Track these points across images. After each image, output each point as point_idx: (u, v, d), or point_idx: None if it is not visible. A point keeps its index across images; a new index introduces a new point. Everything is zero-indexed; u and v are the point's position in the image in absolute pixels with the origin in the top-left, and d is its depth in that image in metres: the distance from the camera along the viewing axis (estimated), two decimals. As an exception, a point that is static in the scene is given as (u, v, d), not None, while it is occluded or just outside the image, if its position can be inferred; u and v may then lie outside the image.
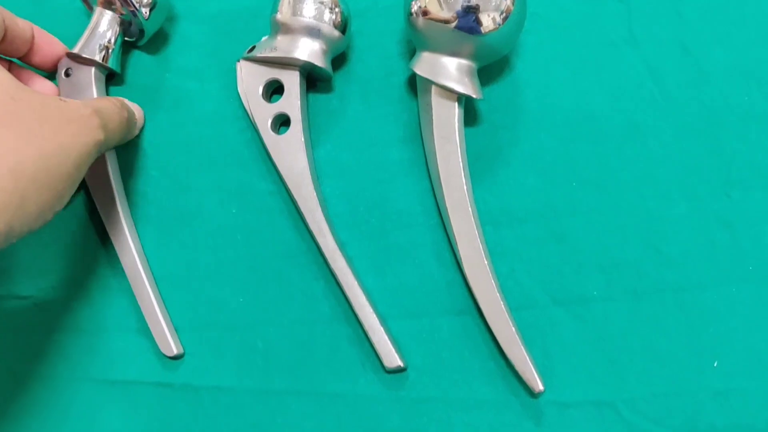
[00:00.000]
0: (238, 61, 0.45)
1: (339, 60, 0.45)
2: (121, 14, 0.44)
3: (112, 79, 0.46)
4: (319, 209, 0.41)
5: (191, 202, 0.42)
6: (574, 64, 0.45)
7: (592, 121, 0.43)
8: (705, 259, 0.40)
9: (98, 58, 0.43)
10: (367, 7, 0.45)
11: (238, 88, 0.45)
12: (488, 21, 0.40)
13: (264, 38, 0.45)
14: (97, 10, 0.44)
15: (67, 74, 0.43)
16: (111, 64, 0.44)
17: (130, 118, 0.41)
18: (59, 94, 0.43)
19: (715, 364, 0.38)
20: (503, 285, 0.39)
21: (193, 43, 0.46)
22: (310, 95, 0.44)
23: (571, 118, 0.43)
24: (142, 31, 0.45)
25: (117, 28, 0.44)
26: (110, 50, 0.44)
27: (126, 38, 0.45)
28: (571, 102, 0.44)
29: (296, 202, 0.41)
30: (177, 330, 0.41)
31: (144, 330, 0.41)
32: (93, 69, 0.44)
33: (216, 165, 0.43)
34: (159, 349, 0.40)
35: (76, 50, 0.43)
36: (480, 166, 0.42)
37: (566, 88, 0.44)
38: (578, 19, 0.45)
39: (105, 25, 0.44)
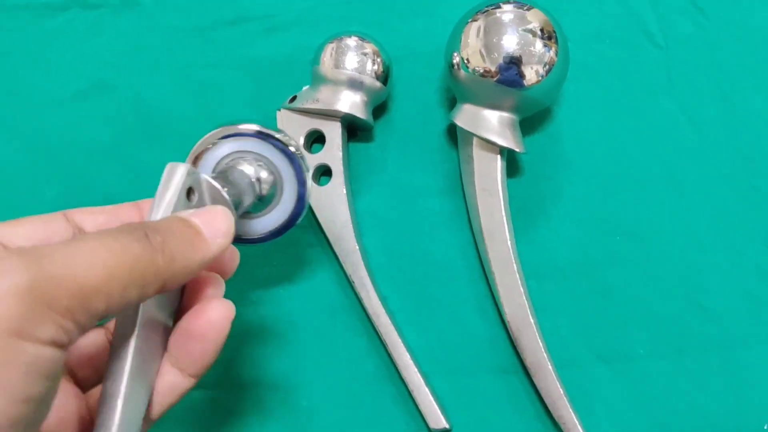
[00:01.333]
0: (279, 110, 0.45)
1: (379, 108, 0.44)
2: None
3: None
4: (362, 264, 0.41)
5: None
6: (614, 112, 0.45)
7: (631, 170, 0.43)
8: (747, 314, 0.40)
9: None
10: (405, 54, 0.45)
11: (279, 138, 0.45)
12: (531, 74, 0.40)
13: (305, 88, 0.44)
14: None
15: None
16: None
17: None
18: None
19: (766, 427, 0.38)
20: (547, 341, 0.39)
21: (232, 90, 0.46)
22: (351, 144, 0.44)
23: (612, 168, 0.43)
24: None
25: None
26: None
27: None
28: (611, 151, 0.44)
29: (338, 255, 0.41)
30: (218, 388, 0.40)
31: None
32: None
33: (256, 216, 0.43)
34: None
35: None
36: (522, 217, 0.42)
37: (606, 137, 0.44)
38: (617, 67, 0.45)
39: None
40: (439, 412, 0.38)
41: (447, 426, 0.38)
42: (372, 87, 0.43)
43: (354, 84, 0.42)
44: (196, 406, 0.39)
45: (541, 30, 0.39)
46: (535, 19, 0.39)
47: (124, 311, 0.24)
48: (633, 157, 0.43)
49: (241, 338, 0.40)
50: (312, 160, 0.43)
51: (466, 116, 0.42)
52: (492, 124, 0.41)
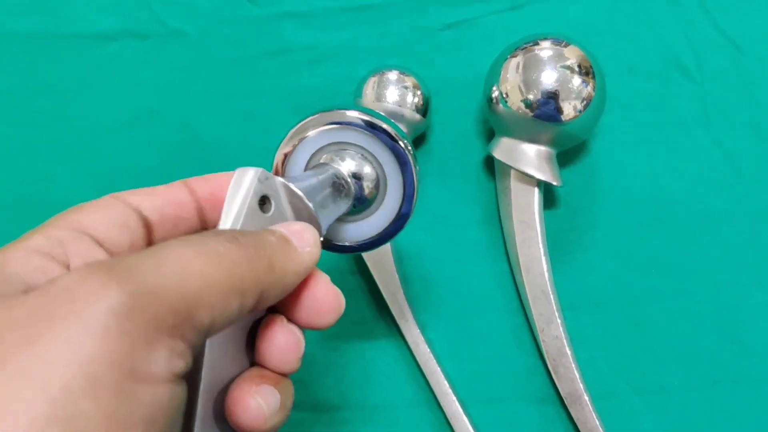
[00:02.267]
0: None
1: (417, 139, 0.46)
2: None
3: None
4: (401, 292, 0.42)
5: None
6: (649, 146, 0.45)
7: (667, 204, 0.44)
8: (783, 349, 0.41)
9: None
10: (443, 86, 0.46)
11: (320, 167, 0.46)
12: (569, 109, 0.41)
13: (346, 119, 0.46)
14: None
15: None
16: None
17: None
18: None
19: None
20: (583, 372, 0.40)
21: (276, 119, 0.47)
22: (390, 174, 0.45)
23: (647, 202, 0.44)
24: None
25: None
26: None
27: None
28: (647, 185, 0.45)
29: (378, 282, 0.42)
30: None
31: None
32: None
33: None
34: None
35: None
36: (558, 249, 0.42)
37: (642, 170, 0.45)
38: (653, 101, 0.46)
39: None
40: (477, 441, 0.39)
41: (484, 454, 0.39)
42: (412, 119, 0.44)
43: (395, 116, 0.44)
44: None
45: (579, 66, 0.40)
46: (572, 56, 0.40)
47: (226, 325, 0.20)
48: (668, 191, 0.44)
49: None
50: (353, 190, 0.44)
51: (504, 149, 0.43)
52: (530, 157, 0.42)
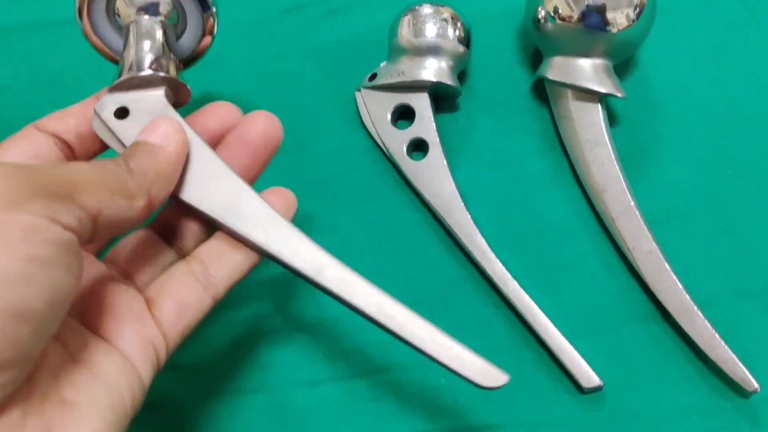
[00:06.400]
0: (358, 90, 0.43)
1: (459, 76, 0.43)
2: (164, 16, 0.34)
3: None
4: (478, 233, 0.39)
5: (339, 246, 0.39)
6: (701, 51, 0.44)
7: (733, 106, 0.43)
8: None
9: (165, 71, 0.32)
10: (476, 18, 0.43)
11: (363, 119, 0.43)
12: (621, 16, 0.39)
13: (383, 64, 0.43)
14: (133, 20, 0.33)
15: (122, 115, 0.31)
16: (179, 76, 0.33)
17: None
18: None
19: None
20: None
21: (302, 77, 0.44)
22: (436, 117, 0.42)
23: (711, 106, 0.43)
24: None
25: (167, 36, 0.33)
26: (171, 60, 0.33)
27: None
28: (707, 89, 0.43)
29: (450, 228, 0.39)
30: (350, 379, 0.38)
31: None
32: (164, 89, 0.32)
33: (354, 202, 0.41)
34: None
35: (124, 76, 0.31)
36: (628, 166, 0.40)
37: (698, 76, 0.44)
38: (695, 4, 0.44)
39: (151, 33, 0.33)
40: (590, 370, 0.36)
41: (600, 383, 0.36)
42: (456, 52, 0.41)
43: (437, 51, 0.41)
44: (331, 395, 0.37)
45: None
46: (620, -40, 0.38)
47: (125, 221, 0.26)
48: (732, 92, 0.43)
49: (368, 325, 0.37)
50: (404, 136, 0.42)
51: (559, 69, 0.41)
52: (587, 72, 0.40)
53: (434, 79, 0.41)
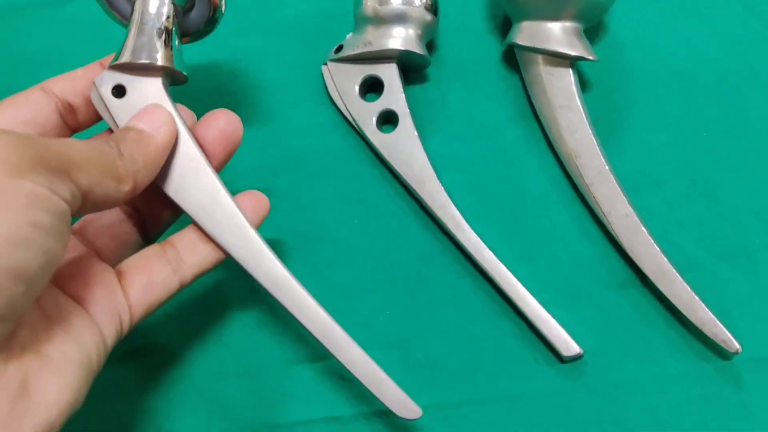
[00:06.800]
0: (324, 64, 0.42)
1: (428, 46, 0.42)
2: None
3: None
4: (452, 204, 0.38)
5: (311, 222, 0.39)
6: (669, 11, 0.44)
7: (706, 68, 0.43)
8: None
9: (164, 61, 0.32)
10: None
11: (330, 93, 0.42)
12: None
13: (349, 36, 0.42)
14: None
15: (119, 94, 0.32)
16: (177, 65, 0.33)
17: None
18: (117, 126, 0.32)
19: None
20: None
21: (267, 54, 0.43)
22: (406, 88, 0.41)
23: (684, 68, 0.42)
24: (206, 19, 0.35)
25: (172, 19, 0.33)
26: (172, 49, 0.33)
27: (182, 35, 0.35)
28: (680, 52, 0.43)
29: (423, 200, 0.39)
30: (326, 359, 0.37)
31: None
32: (160, 79, 0.32)
33: (325, 177, 0.40)
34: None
35: (125, 59, 0.31)
36: (601, 131, 0.39)
37: (671, 39, 0.43)
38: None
39: (157, 15, 0.32)
40: (569, 338, 0.35)
41: (580, 351, 0.35)
42: (423, 19, 0.40)
43: (404, 18, 0.40)
44: (312, 375, 0.36)
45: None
46: None
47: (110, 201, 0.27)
48: (705, 54, 0.42)
49: (342, 302, 0.36)
50: (373, 108, 0.41)
51: (528, 34, 0.40)
52: (557, 35, 0.40)
53: (402, 48, 0.40)
